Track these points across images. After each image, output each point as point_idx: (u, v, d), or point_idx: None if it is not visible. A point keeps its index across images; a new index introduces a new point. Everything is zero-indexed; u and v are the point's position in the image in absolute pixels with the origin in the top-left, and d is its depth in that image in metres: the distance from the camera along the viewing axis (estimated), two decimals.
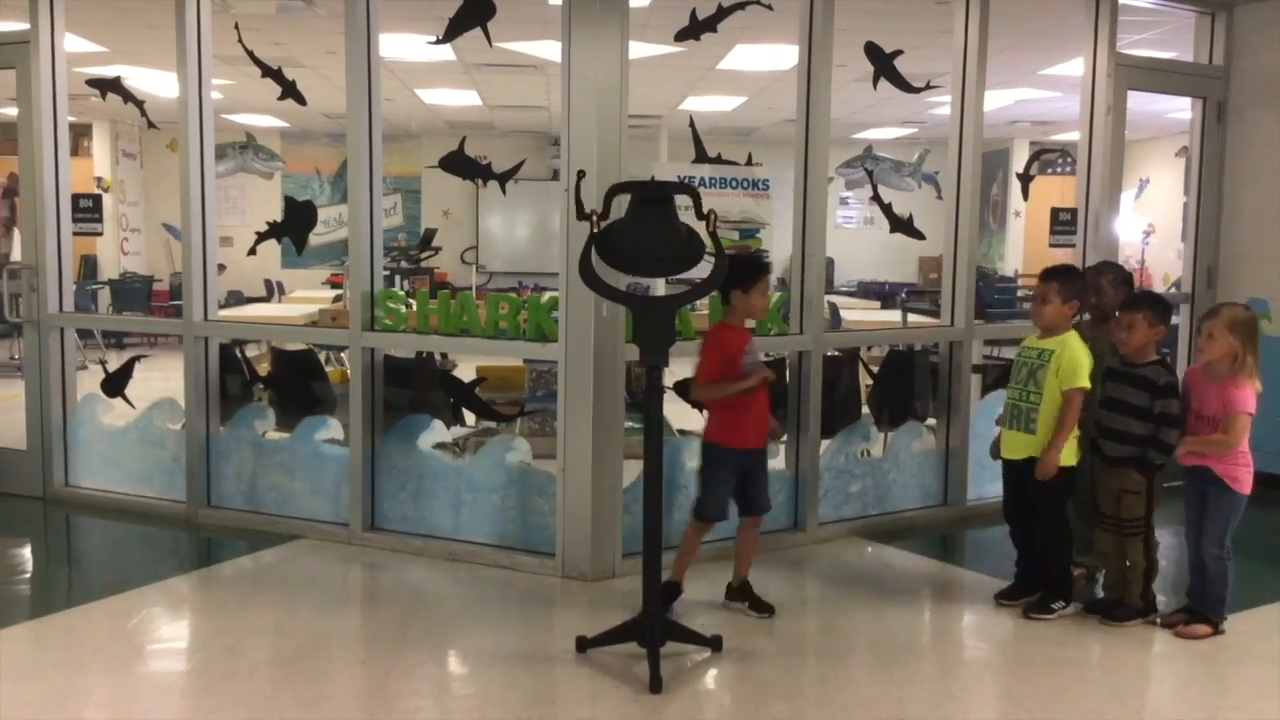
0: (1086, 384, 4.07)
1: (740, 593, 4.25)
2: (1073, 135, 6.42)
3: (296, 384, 5.65)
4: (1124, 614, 4.14)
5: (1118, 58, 5.87)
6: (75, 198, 5.84)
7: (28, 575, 4.94)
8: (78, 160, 12.21)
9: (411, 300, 5.14)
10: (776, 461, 5.18)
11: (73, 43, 6.96)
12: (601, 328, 4.49)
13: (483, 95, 11.60)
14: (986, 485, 5.74)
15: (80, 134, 13.60)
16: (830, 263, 13.72)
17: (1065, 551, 4.26)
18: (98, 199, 6.37)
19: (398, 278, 12.07)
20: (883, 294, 14.17)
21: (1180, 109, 8.73)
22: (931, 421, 5.73)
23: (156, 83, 9.20)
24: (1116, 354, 4.24)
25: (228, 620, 4.17)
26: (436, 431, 5.11)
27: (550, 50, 8.25)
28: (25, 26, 5.57)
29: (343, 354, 6.55)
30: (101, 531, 5.44)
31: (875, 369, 5.96)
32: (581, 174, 3.97)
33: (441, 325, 4.88)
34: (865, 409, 5.72)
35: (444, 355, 6.74)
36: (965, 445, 5.57)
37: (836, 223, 16.09)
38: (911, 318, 8.66)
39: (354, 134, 4.95)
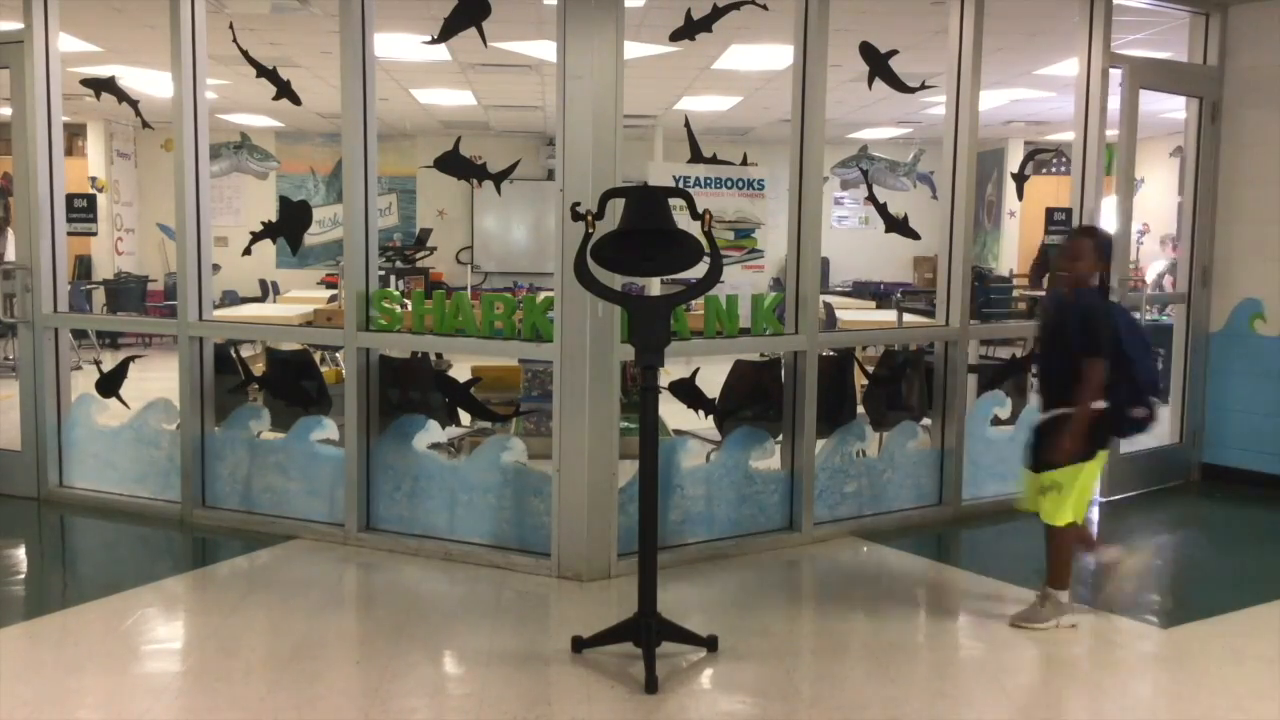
0: None
1: None
2: (1067, 135, 6.43)
3: (291, 384, 5.64)
4: None
5: (1112, 57, 5.88)
6: (70, 198, 5.83)
7: (22, 576, 4.93)
8: (72, 160, 12.23)
9: (406, 300, 5.14)
10: (772, 461, 5.19)
11: (67, 42, 6.97)
12: (597, 328, 4.49)
13: (478, 95, 11.60)
14: (982, 485, 5.75)
15: (75, 134, 13.59)
16: (825, 262, 13.73)
17: None
18: (92, 199, 6.37)
19: (393, 278, 12.07)
20: (878, 294, 14.19)
21: (1175, 109, 8.75)
22: (927, 421, 5.73)
23: (151, 82, 9.20)
24: None
25: (223, 621, 4.16)
26: (432, 432, 5.10)
27: (545, 50, 8.25)
28: (19, 26, 5.56)
29: (338, 354, 6.54)
30: (96, 532, 5.43)
31: (871, 369, 5.97)
32: (577, 205, 3.94)
33: (437, 325, 4.88)
34: (860, 409, 5.73)
35: (439, 355, 6.74)
36: (961, 445, 5.58)
37: (832, 223, 16.11)
38: (907, 318, 8.66)
39: (349, 134, 4.94)
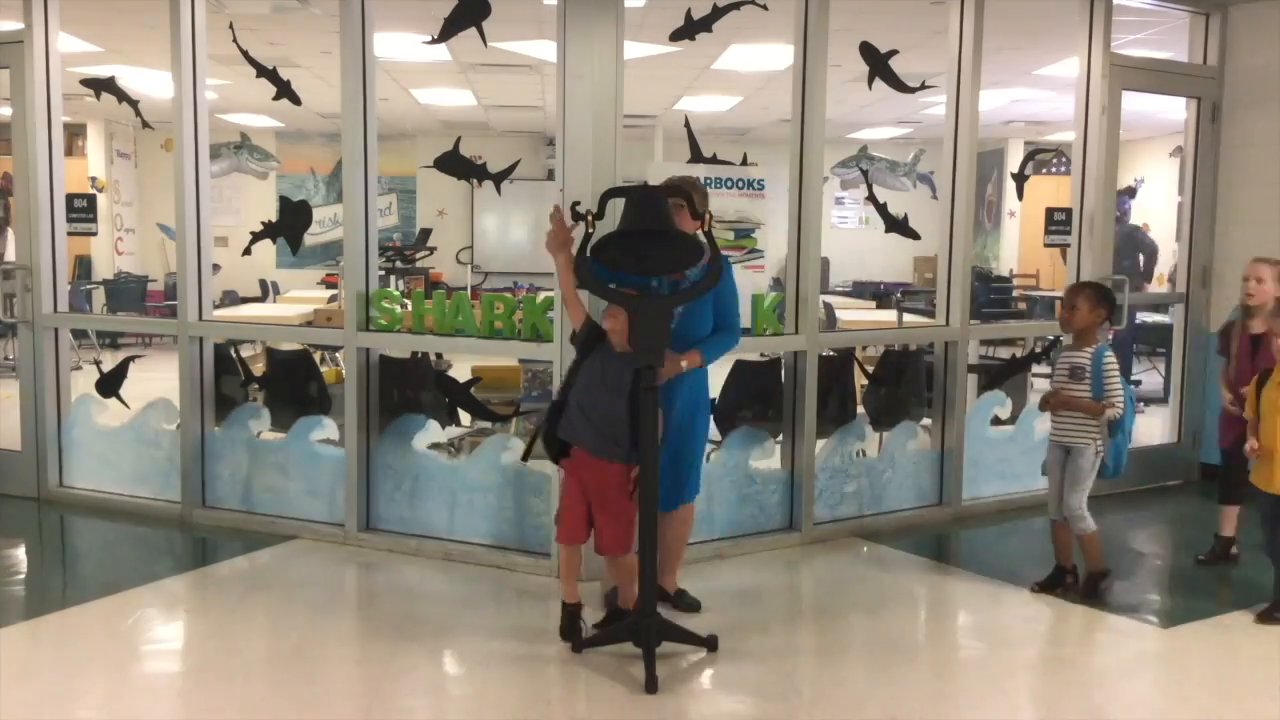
0: None
1: None
2: (1067, 135, 6.43)
3: (291, 384, 5.64)
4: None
5: (1112, 58, 5.88)
6: (70, 198, 5.83)
7: (22, 576, 4.93)
8: (72, 160, 12.22)
9: (406, 300, 5.14)
10: (772, 461, 5.19)
11: (67, 42, 6.96)
12: None
13: (478, 95, 11.60)
14: (982, 485, 5.75)
15: (75, 134, 13.58)
16: (825, 263, 13.72)
17: None
18: (92, 199, 6.36)
19: (393, 278, 12.06)
20: (878, 294, 14.17)
21: (1175, 109, 8.75)
22: (927, 421, 5.73)
23: (151, 82, 9.19)
24: None
25: (223, 621, 4.17)
26: (431, 432, 5.11)
27: (545, 50, 8.24)
28: (19, 26, 5.56)
29: (338, 354, 6.54)
30: (96, 532, 5.43)
31: (871, 369, 5.97)
32: (577, 205, 3.95)
33: (437, 325, 4.88)
34: (860, 409, 5.73)
35: (439, 355, 6.74)
36: (961, 445, 5.58)
37: (832, 223, 16.10)
38: (907, 318, 8.66)
39: (349, 134, 4.94)
